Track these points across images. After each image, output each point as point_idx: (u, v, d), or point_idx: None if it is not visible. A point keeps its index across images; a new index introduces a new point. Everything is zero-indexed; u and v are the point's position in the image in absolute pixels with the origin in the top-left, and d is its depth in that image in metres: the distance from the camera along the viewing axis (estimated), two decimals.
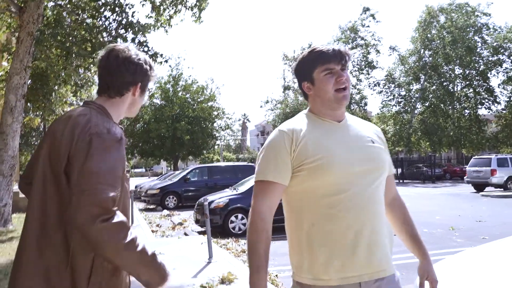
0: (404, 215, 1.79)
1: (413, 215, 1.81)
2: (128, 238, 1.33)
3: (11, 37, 12.37)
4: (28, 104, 13.30)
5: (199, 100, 31.66)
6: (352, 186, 1.53)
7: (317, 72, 1.63)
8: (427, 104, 37.70)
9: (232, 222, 9.42)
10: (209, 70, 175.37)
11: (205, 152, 35.61)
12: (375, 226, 1.54)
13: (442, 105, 37.45)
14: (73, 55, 9.88)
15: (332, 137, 1.61)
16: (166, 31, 11.48)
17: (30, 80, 11.39)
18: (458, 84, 38.70)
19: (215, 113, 32.51)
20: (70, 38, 10.06)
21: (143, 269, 1.39)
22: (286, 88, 45.91)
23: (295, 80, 1.83)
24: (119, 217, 1.34)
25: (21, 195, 13.33)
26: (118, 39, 9.97)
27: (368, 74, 43.10)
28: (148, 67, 1.64)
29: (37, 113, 13.64)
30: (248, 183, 10.55)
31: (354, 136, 1.65)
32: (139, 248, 1.36)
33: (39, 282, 1.38)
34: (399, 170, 33.42)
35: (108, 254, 1.33)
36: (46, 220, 1.42)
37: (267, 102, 44.83)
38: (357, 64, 43.35)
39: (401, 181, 31.72)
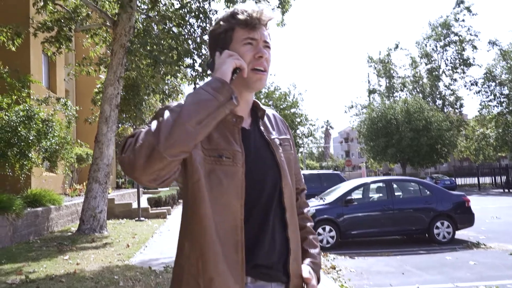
0: None
1: None
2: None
3: (107, 50, 13.15)
4: (123, 114, 14.04)
5: (281, 107, 31.49)
6: None
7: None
8: None
9: (319, 234, 8.83)
10: (291, 76, 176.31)
11: None
12: None
13: None
14: (161, 64, 10.14)
15: None
16: None
17: (123, 92, 11.95)
18: None
19: (298, 120, 32.10)
20: (158, 47, 10.35)
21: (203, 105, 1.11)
22: (371, 91, 44.07)
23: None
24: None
25: (116, 202, 14.02)
26: (203, 46, 10.02)
27: (464, 72, 39.78)
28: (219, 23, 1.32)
29: (130, 122, 14.31)
30: (336, 192, 9.87)
31: None
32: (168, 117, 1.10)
33: None
34: (503, 178, 29.94)
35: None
36: None
37: (352, 107, 43.42)
38: (451, 63, 40.24)
39: (506, 190, 28.37)
